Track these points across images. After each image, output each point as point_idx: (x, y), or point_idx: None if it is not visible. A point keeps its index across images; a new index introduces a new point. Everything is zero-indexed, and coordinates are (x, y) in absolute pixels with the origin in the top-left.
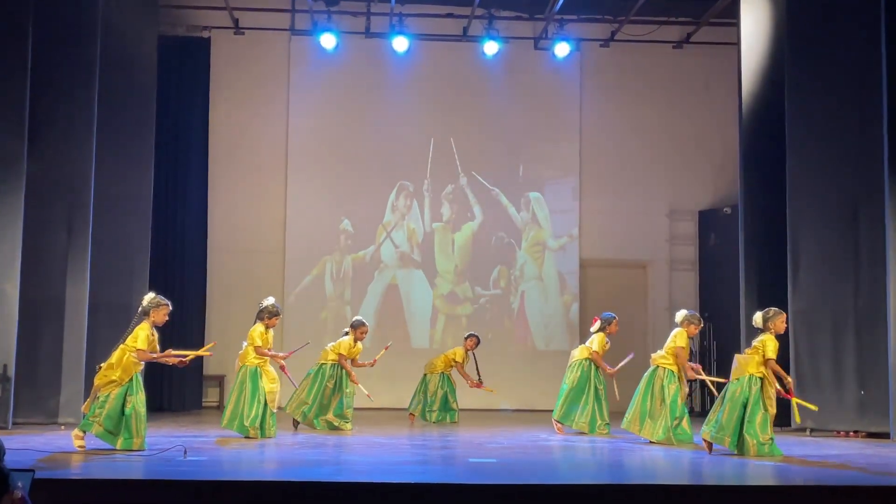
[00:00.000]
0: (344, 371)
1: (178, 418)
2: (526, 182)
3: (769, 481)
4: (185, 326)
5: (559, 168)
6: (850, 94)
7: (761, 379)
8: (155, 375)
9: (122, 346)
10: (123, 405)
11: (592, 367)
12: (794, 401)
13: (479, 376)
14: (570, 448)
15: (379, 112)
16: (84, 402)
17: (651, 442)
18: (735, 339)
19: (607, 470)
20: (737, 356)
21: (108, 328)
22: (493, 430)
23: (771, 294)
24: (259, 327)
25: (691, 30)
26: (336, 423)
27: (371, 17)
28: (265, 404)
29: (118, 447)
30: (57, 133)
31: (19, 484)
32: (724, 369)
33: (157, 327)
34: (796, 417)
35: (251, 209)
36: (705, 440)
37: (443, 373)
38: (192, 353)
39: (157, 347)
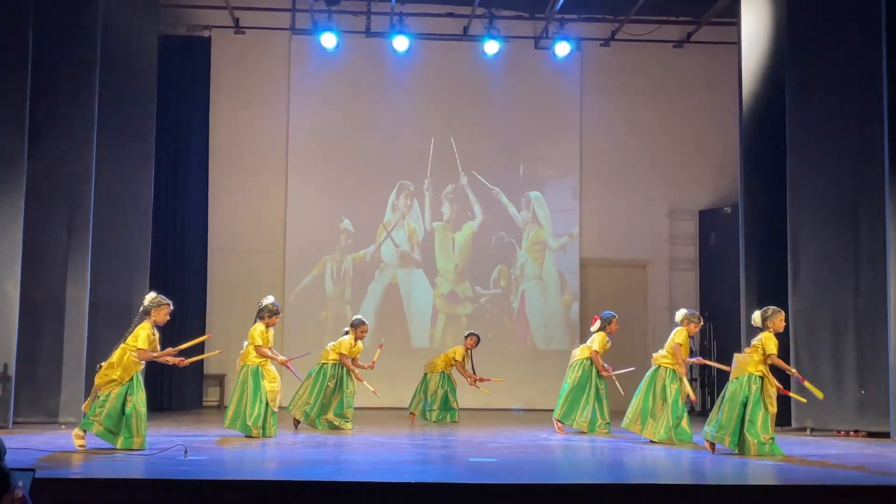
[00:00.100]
0: (344, 370)
1: (178, 418)
2: (526, 181)
3: (770, 481)
4: (185, 326)
5: (559, 167)
6: (850, 93)
7: (761, 378)
8: (155, 375)
9: (122, 345)
10: (124, 404)
11: (594, 366)
12: (805, 384)
13: (474, 373)
14: (570, 447)
15: (379, 111)
16: (84, 401)
17: (652, 441)
18: (735, 338)
19: (607, 469)
20: (736, 355)
21: (109, 327)
22: (493, 430)
23: (771, 294)
24: (259, 326)
25: (692, 29)
26: (336, 423)
27: (371, 17)
28: (267, 403)
29: (118, 446)
30: (57, 133)
31: (20, 483)
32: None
33: (157, 327)
34: (799, 398)
35: (252, 208)
36: (707, 441)
37: (443, 372)
38: (195, 357)
39: (158, 347)
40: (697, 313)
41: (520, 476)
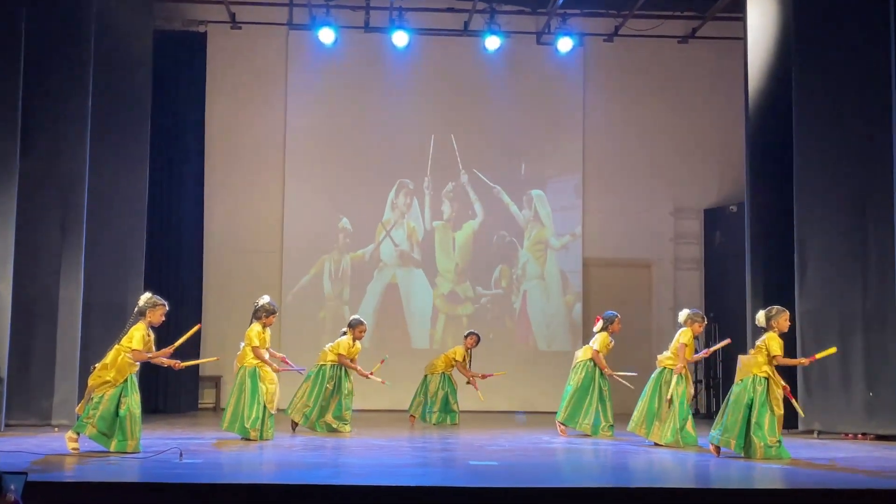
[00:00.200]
0: (343, 372)
1: (173, 420)
2: (528, 179)
3: (776, 484)
4: (180, 327)
5: (562, 165)
6: (858, 89)
7: (766, 379)
8: (150, 376)
9: (116, 346)
10: (118, 406)
11: (597, 367)
12: (819, 355)
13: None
14: (573, 450)
15: (378, 108)
16: (78, 403)
17: (656, 444)
18: (741, 339)
19: (611, 473)
20: (740, 357)
21: (103, 328)
22: (494, 433)
23: (778, 294)
24: (256, 327)
25: (697, 24)
26: (335, 426)
27: (370, 11)
28: (265, 405)
29: (112, 449)
30: (50, 130)
31: (12, 487)
32: (730, 371)
33: (152, 328)
34: (799, 411)
35: (248, 207)
36: (712, 444)
37: (443, 373)
38: (191, 362)
39: (153, 348)
40: (701, 313)
41: (521, 480)
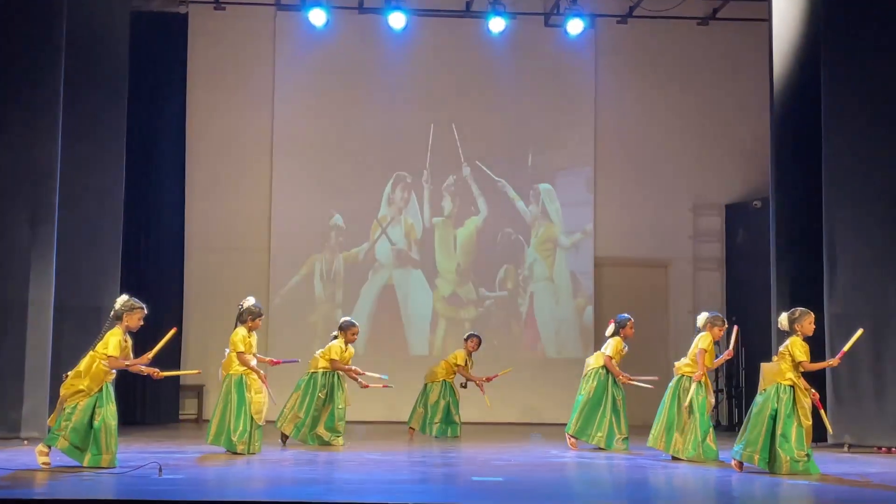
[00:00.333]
0: (336, 379)
1: (152, 432)
2: (535, 172)
3: (804, 502)
4: (160, 332)
5: (572, 157)
6: (893, 75)
7: (791, 388)
8: (127, 385)
9: (91, 352)
10: (92, 418)
11: (610, 376)
12: (847, 347)
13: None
14: (584, 465)
15: (373, 95)
16: (49, 414)
17: (675, 458)
18: (766, 345)
19: (626, 490)
20: (763, 365)
21: (76, 333)
22: (498, 446)
23: (805, 296)
24: (241, 331)
25: (718, 4)
26: (327, 438)
27: None
28: (252, 417)
29: (86, 464)
30: (18, 119)
31: None
32: (753, 379)
33: (130, 333)
34: (828, 427)
35: (233, 202)
36: (734, 460)
37: (444, 381)
38: (171, 372)
39: (131, 354)
40: (721, 316)
41: (528, 497)
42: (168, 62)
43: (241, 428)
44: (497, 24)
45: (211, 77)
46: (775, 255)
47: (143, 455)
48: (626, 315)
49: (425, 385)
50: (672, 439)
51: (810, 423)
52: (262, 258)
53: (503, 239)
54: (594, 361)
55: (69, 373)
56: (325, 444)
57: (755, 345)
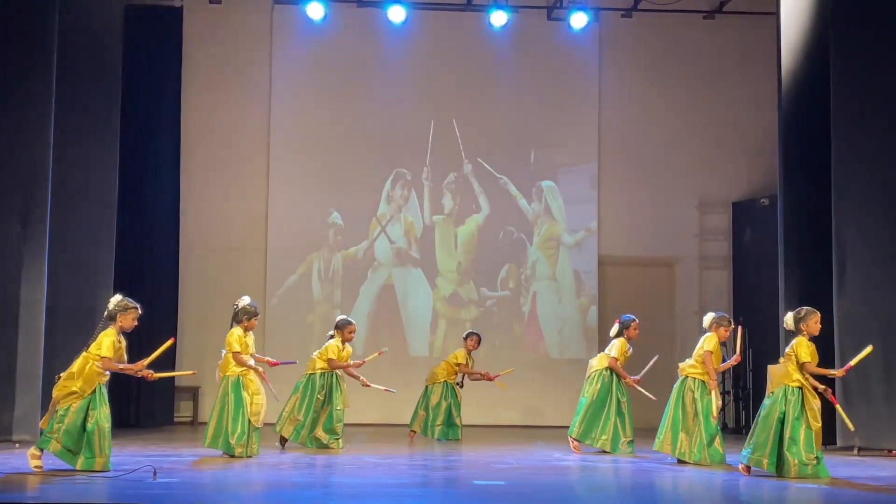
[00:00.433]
0: (334, 380)
1: (146, 435)
2: (538, 169)
3: None
4: (154, 332)
5: (575, 154)
6: None
7: (800, 389)
8: (121, 387)
9: (84, 353)
10: (85, 420)
11: (614, 377)
12: (854, 361)
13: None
14: (588, 469)
15: (373, 91)
16: (41, 416)
17: (680, 462)
18: (773, 345)
19: (631, 494)
20: (770, 367)
21: (69, 333)
22: (500, 449)
23: (813, 295)
24: (236, 331)
25: None
26: (325, 440)
27: None
28: (249, 419)
29: (78, 467)
30: (8, 114)
31: None
32: (760, 381)
33: (124, 333)
34: (848, 424)
35: (229, 200)
36: (742, 464)
37: (446, 382)
38: (166, 373)
39: (125, 355)
40: (727, 316)
41: (531, 501)
42: (162, 57)
43: (238, 430)
44: (499, 18)
45: (206, 72)
46: (783, 254)
47: (137, 458)
48: (630, 315)
49: (426, 387)
50: (678, 440)
51: (819, 425)
52: (258, 257)
53: (505, 237)
54: (598, 363)
55: (62, 374)
56: (324, 447)
57: (763, 345)
